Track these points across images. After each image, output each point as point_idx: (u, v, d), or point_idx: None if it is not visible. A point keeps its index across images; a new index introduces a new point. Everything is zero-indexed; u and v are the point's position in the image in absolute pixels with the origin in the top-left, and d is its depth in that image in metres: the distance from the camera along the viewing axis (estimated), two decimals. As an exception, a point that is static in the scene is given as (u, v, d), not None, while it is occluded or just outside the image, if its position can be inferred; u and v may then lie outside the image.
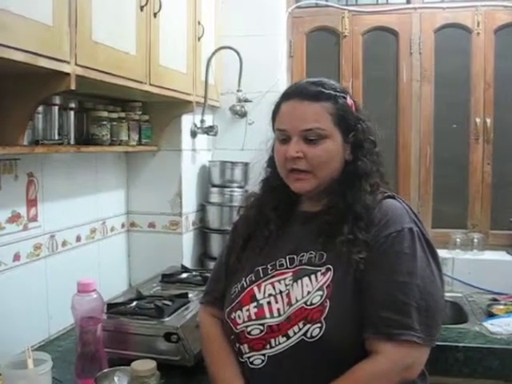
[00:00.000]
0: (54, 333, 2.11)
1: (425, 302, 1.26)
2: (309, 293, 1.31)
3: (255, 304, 1.38)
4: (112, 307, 1.87)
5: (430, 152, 3.05)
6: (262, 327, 1.34)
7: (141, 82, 2.02)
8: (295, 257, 1.39)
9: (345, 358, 1.27)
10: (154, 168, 2.68)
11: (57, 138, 1.91)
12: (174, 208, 2.66)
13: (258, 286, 1.40)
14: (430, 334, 1.27)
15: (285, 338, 1.31)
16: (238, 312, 1.40)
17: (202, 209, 2.88)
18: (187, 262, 2.66)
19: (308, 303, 1.30)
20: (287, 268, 1.38)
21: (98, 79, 1.73)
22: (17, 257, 1.92)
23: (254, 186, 1.62)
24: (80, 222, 2.31)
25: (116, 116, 2.27)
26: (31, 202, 1.99)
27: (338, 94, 1.40)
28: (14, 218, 1.90)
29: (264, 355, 1.34)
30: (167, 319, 1.78)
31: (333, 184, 1.41)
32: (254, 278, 1.43)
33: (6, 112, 1.62)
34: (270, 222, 1.48)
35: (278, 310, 1.34)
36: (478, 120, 2.99)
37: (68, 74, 1.57)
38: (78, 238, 2.29)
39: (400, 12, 3.08)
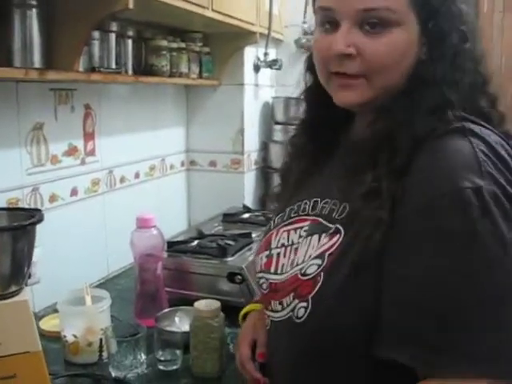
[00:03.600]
0: (113, 271, 2.06)
1: (498, 314, 0.76)
2: (309, 257, 0.93)
3: (267, 253, 1.05)
4: (172, 245, 1.78)
5: (512, 90, 2.81)
6: (267, 282, 1.02)
7: (203, 7, 1.88)
8: (319, 202, 0.99)
9: (338, 355, 0.88)
10: (215, 104, 2.55)
11: (114, 66, 1.81)
12: (235, 146, 2.54)
13: (277, 231, 1.05)
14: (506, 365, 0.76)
15: (280, 307, 0.96)
16: (256, 258, 1.10)
17: (264, 147, 2.74)
18: (249, 203, 2.56)
19: (303, 272, 0.92)
20: (307, 214, 1.00)
21: (158, 0, 1.60)
22: (74, 191, 1.85)
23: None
24: (138, 159, 2.23)
25: (176, 46, 2.14)
26: (88, 136, 1.91)
27: None
28: (71, 151, 1.82)
29: (269, 317, 1.02)
30: (230, 259, 1.68)
31: (396, 97, 0.91)
32: (278, 221, 1.08)
33: (60, 35, 1.52)
34: (303, 153, 1.10)
35: (282, 266, 0.99)
36: None
37: (127, -8, 1.45)
38: (137, 175, 2.21)
39: None
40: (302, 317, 0.89)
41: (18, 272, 1.03)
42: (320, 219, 0.96)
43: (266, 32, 2.50)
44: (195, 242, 1.83)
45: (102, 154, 1.97)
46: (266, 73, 2.72)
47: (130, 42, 1.92)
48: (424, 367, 0.78)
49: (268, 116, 2.77)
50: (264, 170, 2.75)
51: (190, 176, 2.64)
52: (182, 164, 2.59)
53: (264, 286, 1.03)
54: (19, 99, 1.61)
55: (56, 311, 1.52)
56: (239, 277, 1.60)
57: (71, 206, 1.83)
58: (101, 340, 1.36)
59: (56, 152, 1.75)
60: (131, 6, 1.46)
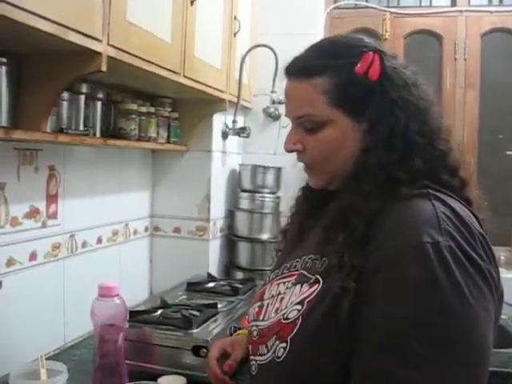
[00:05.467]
0: (70, 341, 1.95)
1: (450, 352, 0.85)
2: (291, 304, 1.04)
3: (259, 303, 1.17)
4: (134, 315, 1.70)
5: (474, 163, 2.87)
6: (257, 329, 1.12)
7: (175, 73, 1.87)
8: (306, 258, 1.11)
9: None
10: (182, 169, 2.52)
11: (82, 128, 1.77)
12: (201, 213, 2.50)
13: (270, 285, 1.17)
14: None
15: (266, 350, 1.06)
16: (250, 309, 1.22)
17: (230, 215, 2.71)
18: (213, 271, 2.49)
19: (284, 316, 1.03)
20: (296, 270, 1.11)
21: (130, 63, 1.58)
22: (33, 256, 1.76)
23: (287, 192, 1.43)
24: (101, 223, 2.16)
25: (145, 110, 2.12)
26: (51, 198, 1.84)
27: (341, 60, 1.04)
28: (33, 214, 1.75)
29: (256, 361, 1.10)
30: (196, 331, 1.62)
31: (346, 180, 1.07)
32: (273, 276, 1.20)
33: (30, 94, 1.48)
34: (296, 218, 1.27)
35: (268, 314, 1.10)
36: (525, 130, 2.82)
37: (99, 54, 1.42)
38: (99, 240, 2.14)
39: (445, 15, 2.93)
40: (281, 356, 1.00)
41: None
42: (304, 272, 1.07)
43: (235, 100, 2.52)
44: (158, 312, 1.75)
45: (64, 217, 1.90)
46: (233, 140, 2.72)
47: (99, 104, 1.89)
48: None
49: (234, 183, 2.75)
50: (229, 237, 2.71)
51: (153, 242, 2.57)
52: (146, 229, 2.53)
53: (255, 333, 1.13)
54: (-19, 157, 1.55)
55: (4, 383, 1.42)
56: (205, 350, 1.53)
57: (29, 271, 1.74)
58: (55, 418, 1.27)
59: (16, 214, 1.68)
60: (104, 68, 1.44)
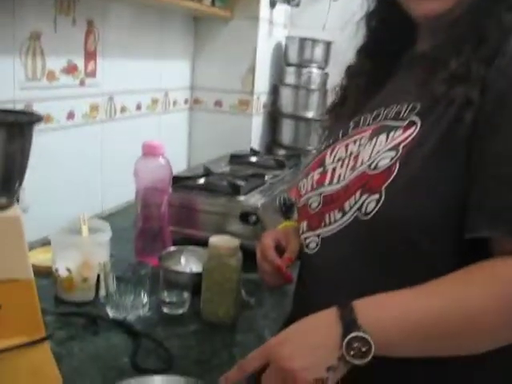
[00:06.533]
0: (107, 209, 1.88)
1: None
2: (378, 153, 0.91)
3: (321, 170, 1.03)
4: (178, 181, 1.60)
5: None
6: (319, 198, 0.99)
7: None
8: (382, 110, 0.98)
9: (407, 252, 0.87)
10: (225, 38, 2.35)
11: (123, -24, 1.61)
12: (244, 85, 2.35)
13: (332, 149, 1.03)
14: None
15: (340, 214, 0.93)
16: (304, 180, 1.07)
17: (274, 91, 2.55)
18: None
19: (372, 166, 0.90)
20: (369, 125, 0.99)
21: None
22: (71, 115, 1.65)
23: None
24: (140, 89, 2.03)
25: (189, -35, 1.94)
26: (90, 55, 1.71)
27: None
28: (70, 69, 1.62)
29: (318, 236, 0.98)
30: (243, 198, 1.51)
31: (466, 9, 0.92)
32: (331, 141, 1.07)
33: None
34: (361, 73, 1.12)
35: (339, 175, 0.97)
36: None
37: None
38: (139, 106, 2.02)
39: None
40: (371, 211, 0.87)
41: (10, 180, 0.84)
42: (385, 123, 0.94)
43: (285, -37, 2.30)
44: (202, 180, 1.65)
45: (103, 77, 1.78)
46: (281, 10, 2.52)
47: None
48: None
49: (280, 57, 2.57)
50: (273, 114, 2.56)
51: (192, 115, 2.45)
52: (186, 102, 2.40)
53: (314, 204, 1.00)
54: (15, 1, 1.40)
55: (44, 245, 1.36)
56: (254, 217, 1.44)
57: (66, 131, 1.64)
58: (98, 276, 1.19)
59: (53, 67, 1.55)
60: None
